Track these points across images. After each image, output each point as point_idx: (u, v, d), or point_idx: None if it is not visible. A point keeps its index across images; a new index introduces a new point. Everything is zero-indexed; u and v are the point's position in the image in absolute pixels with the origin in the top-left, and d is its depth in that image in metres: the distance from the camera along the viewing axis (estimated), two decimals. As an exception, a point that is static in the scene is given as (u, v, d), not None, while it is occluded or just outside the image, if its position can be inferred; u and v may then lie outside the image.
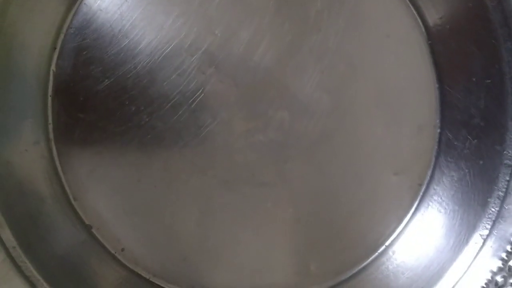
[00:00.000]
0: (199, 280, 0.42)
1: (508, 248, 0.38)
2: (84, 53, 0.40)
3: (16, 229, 0.36)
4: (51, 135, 0.41)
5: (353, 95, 0.42)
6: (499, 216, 0.39)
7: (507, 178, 0.39)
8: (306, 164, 0.42)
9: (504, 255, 0.38)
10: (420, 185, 0.42)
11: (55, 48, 0.40)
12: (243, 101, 0.41)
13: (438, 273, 0.40)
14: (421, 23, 0.42)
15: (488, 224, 0.39)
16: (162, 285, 0.41)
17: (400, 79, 0.42)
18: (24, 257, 0.36)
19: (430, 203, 0.42)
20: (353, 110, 0.42)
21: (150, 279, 0.41)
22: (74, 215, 0.41)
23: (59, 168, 0.40)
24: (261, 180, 0.41)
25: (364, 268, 0.42)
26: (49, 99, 0.40)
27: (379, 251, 0.42)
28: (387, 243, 0.42)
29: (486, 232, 0.39)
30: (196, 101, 0.41)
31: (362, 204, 0.42)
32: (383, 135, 0.42)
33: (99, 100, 0.40)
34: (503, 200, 0.39)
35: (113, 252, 0.41)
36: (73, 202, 0.41)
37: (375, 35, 0.42)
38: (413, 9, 0.42)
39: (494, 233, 0.39)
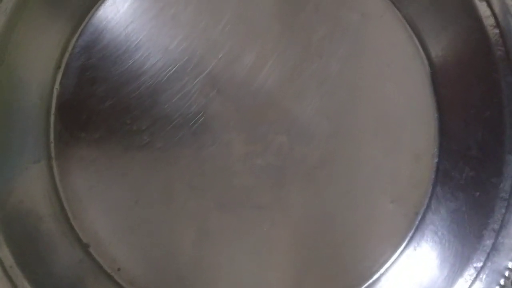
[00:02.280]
0: (194, 301, 0.42)
1: (501, 281, 0.38)
2: (88, 72, 0.41)
3: (14, 248, 0.37)
4: (52, 153, 0.41)
5: (353, 122, 0.42)
6: (493, 249, 0.39)
7: (503, 211, 0.39)
8: (304, 188, 0.42)
9: (497, 288, 0.38)
10: (416, 213, 0.42)
11: (59, 67, 0.41)
12: (243, 124, 0.41)
13: (431, 304, 0.40)
14: (423, 53, 0.42)
15: (483, 256, 0.39)
16: (157, 305, 0.42)
17: (400, 108, 0.42)
18: (21, 276, 0.36)
19: (426, 232, 0.42)
20: (352, 136, 0.42)
21: (145, 300, 0.41)
22: (72, 234, 0.41)
23: (59, 186, 0.41)
24: (258, 203, 0.42)
25: (358, 295, 0.42)
26: (52, 117, 0.41)
27: (373, 278, 0.42)
28: (381, 271, 0.42)
29: (480, 264, 0.39)
30: (197, 123, 0.41)
31: (357, 230, 0.42)
32: (381, 162, 0.42)
33: (101, 119, 0.41)
34: (498, 232, 0.39)
35: (109, 271, 0.41)
36: (71, 220, 0.41)
37: (376, 63, 0.42)
38: (415, 39, 0.42)
39: (488, 265, 0.39)
